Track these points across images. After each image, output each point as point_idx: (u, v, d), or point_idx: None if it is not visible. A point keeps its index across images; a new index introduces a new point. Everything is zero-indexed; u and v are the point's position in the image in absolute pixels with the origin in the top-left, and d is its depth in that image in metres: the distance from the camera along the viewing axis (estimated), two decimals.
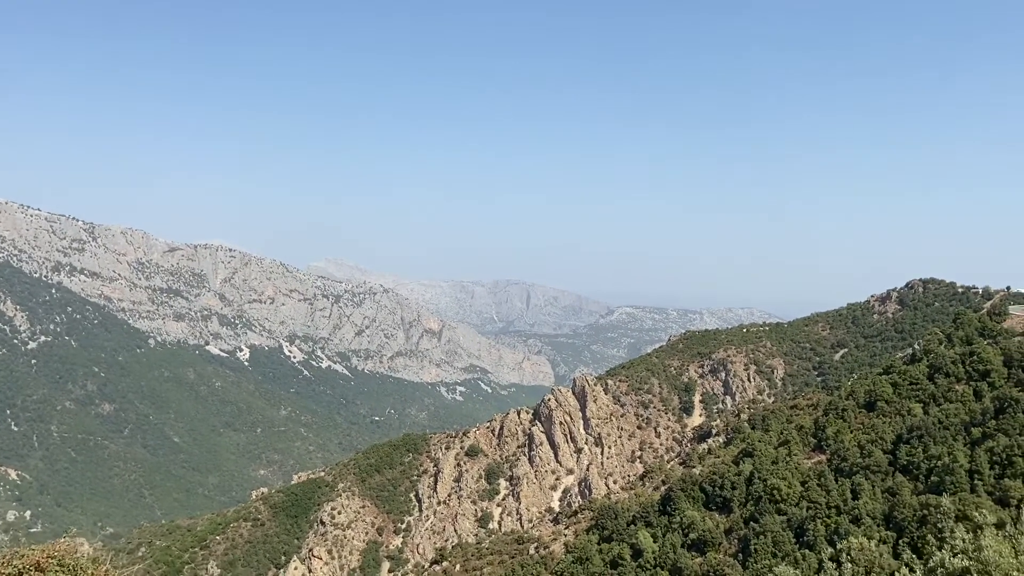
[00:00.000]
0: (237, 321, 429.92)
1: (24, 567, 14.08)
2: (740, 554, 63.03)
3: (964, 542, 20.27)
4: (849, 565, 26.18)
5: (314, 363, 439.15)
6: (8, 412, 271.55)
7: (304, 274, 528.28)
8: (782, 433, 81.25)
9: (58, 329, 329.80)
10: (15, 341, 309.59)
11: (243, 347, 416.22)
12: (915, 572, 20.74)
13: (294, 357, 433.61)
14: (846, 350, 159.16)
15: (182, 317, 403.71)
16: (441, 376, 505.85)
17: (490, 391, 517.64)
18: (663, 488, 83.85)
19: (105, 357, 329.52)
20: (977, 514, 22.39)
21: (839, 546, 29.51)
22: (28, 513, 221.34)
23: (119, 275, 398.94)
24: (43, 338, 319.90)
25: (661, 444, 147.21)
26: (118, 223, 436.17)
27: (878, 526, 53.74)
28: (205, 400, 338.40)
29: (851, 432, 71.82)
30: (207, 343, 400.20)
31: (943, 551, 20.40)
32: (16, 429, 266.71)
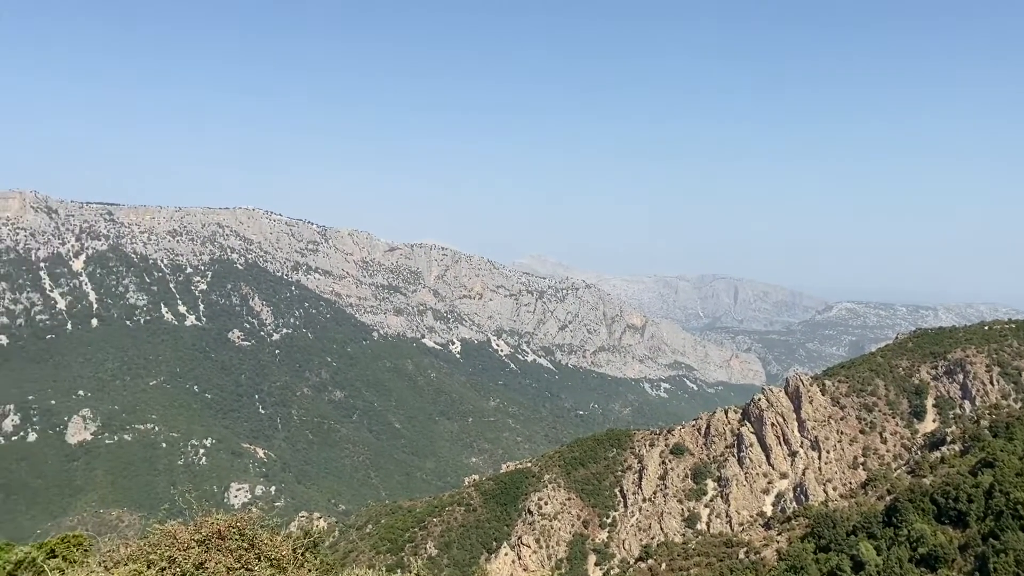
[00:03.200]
0: (449, 316, 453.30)
1: (208, 535, 15.82)
2: (976, 573, 57.31)
3: None
4: None
5: (520, 356, 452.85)
6: (256, 397, 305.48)
7: (510, 270, 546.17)
8: None
9: (297, 322, 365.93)
10: (262, 333, 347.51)
11: (455, 340, 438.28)
12: None
13: (501, 350, 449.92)
14: None
15: (401, 312, 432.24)
16: (644, 372, 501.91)
17: (696, 389, 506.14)
18: (888, 498, 77.97)
19: (336, 348, 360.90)
20: None
21: None
22: (273, 488, 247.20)
23: (347, 273, 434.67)
24: (284, 330, 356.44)
25: (887, 451, 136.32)
26: (346, 226, 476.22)
27: None
28: (422, 390, 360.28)
29: None
30: (423, 336, 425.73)
31: None
32: (263, 412, 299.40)
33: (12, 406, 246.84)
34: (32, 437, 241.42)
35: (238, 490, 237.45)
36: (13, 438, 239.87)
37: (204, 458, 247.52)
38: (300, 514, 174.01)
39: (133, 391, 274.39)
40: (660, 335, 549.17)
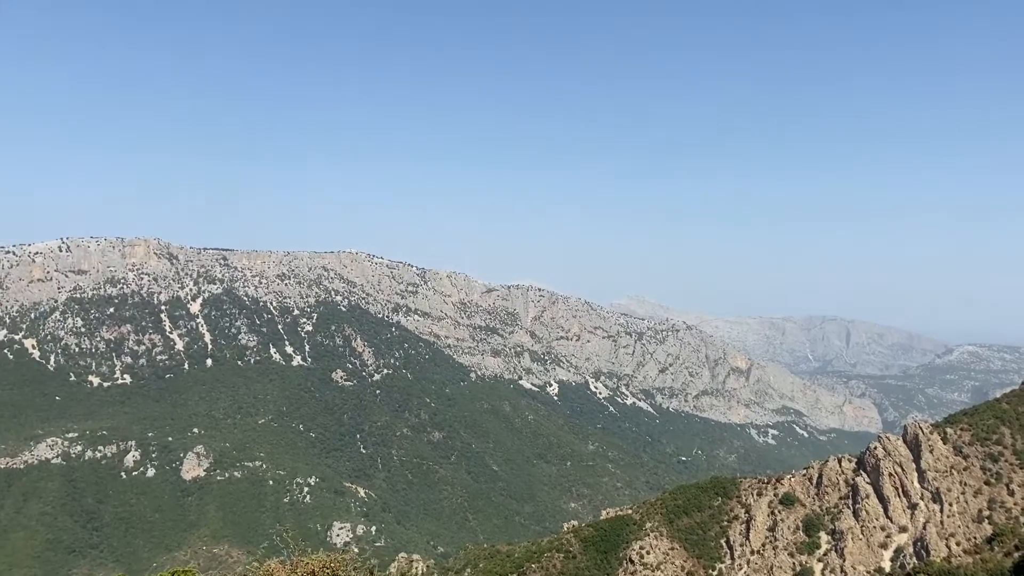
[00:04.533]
0: (546, 357, 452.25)
1: (304, 574, 15.87)
2: None
3: None
4: None
5: (619, 399, 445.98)
6: (358, 436, 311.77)
7: (607, 312, 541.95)
8: None
9: (397, 363, 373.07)
10: (363, 373, 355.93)
11: (552, 382, 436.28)
12: None
13: (599, 393, 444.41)
14: None
15: (498, 353, 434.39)
16: (750, 417, 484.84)
17: (806, 435, 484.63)
18: (1016, 554, 71.65)
19: (435, 389, 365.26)
20: None
21: None
22: (374, 528, 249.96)
23: (445, 314, 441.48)
24: (385, 371, 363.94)
25: (1015, 503, 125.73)
26: (444, 267, 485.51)
27: None
28: (519, 432, 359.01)
29: None
30: (520, 378, 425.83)
31: None
32: (364, 452, 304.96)
33: (133, 442, 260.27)
34: (151, 472, 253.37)
35: (340, 529, 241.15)
36: (134, 473, 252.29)
37: (308, 496, 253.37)
38: (400, 555, 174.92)
39: (243, 429, 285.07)
40: (766, 379, 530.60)
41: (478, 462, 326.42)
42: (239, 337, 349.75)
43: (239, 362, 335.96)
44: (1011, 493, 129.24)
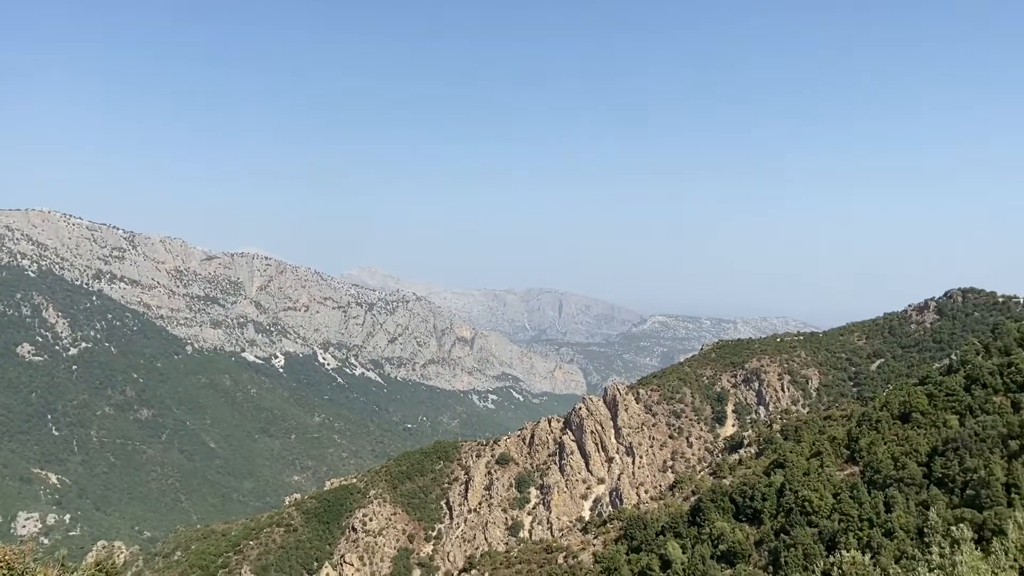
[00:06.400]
0: (272, 328, 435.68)
1: None
2: (770, 566, 62.34)
3: (941, 557, 20.18)
4: None
5: (348, 370, 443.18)
6: (49, 417, 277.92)
7: (338, 282, 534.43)
8: (814, 444, 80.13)
9: (98, 336, 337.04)
10: (56, 347, 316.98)
11: (278, 354, 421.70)
12: None
13: (328, 364, 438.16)
14: (882, 360, 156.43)
15: (219, 324, 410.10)
16: (473, 384, 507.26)
17: (522, 399, 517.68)
18: (693, 498, 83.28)
19: (144, 363, 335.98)
20: (956, 529, 22.22)
21: (831, 560, 29.23)
22: (68, 517, 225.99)
23: (158, 283, 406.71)
24: (83, 344, 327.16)
25: (693, 454, 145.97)
26: (157, 232, 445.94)
27: (911, 539, 52.82)
28: (241, 406, 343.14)
29: (885, 444, 70.59)
30: (243, 350, 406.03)
31: (920, 567, 20.37)
32: (57, 434, 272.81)
33: None
34: None
35: (27, 519, 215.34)
36: None
37: None
38: (99, 543, 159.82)
39: None
40: (488, 347, 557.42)
41: (193, 440, 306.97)
42: None
43: None
44: (690, 445, 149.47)
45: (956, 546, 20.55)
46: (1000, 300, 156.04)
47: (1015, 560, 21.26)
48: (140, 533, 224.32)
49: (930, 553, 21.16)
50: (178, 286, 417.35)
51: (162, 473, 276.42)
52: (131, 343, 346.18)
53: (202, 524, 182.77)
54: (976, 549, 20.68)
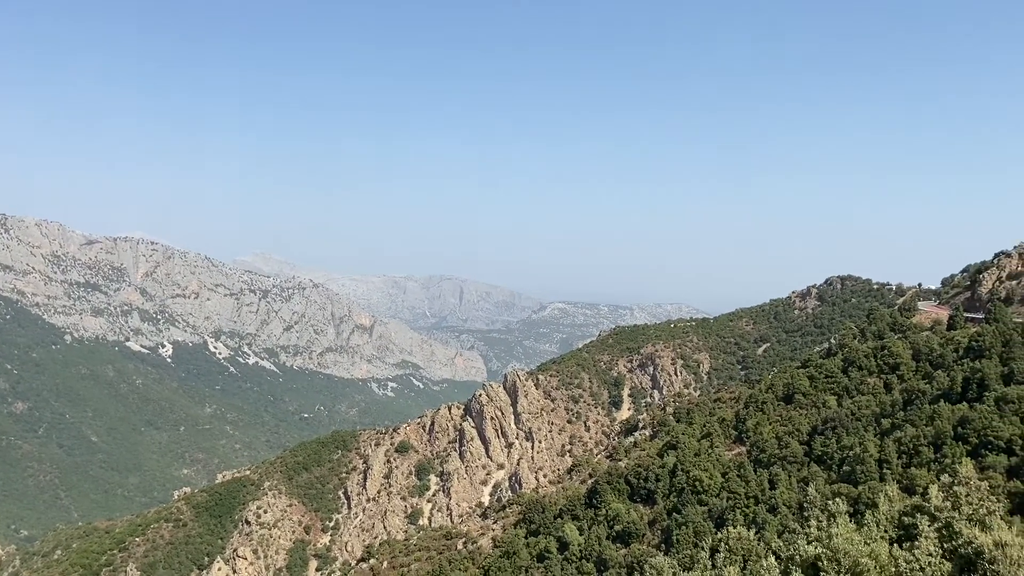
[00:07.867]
0: (159, 316, 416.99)
1: None
2: (663, 544, 64.36)
3: (819, 530, 21.34)
4: (725, 555, 27.15)
5: (240, 359, 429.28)
6: None
7: (231, 269, 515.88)
8: (705, 426, 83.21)
9: None
10: None
11: (165, 343, 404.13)
12: (778, 560, 21.69)
13: (219, 353, 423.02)
14: (768, 344, 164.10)
15: (100, 312, 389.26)
16: (372, 372, 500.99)
17: (422, 387, 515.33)
18: (590, 481, 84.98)
19: (18, 354, 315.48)
20: (832, 503, 23.58)
21: (719, 536, 30.52)
22: None
23: (33, 268, 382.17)
24: None
25: (591, 438, 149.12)
26: (32, 215, 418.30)
27: (793, 514, 55.59)
28: (125, 398, 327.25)
29: (770, 424, 74.05)
30: (127, 339, 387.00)
31: (800, 540, 21.48)
32: None
33: None
34: None
35: None
36: None
37: None
38: None
39: None
40: (388, 335, 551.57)
41: (73, 433, 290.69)
42: None
43: None
44: (588, 429, 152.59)
45: (832, 519, 21.63)
46: (875, 287, 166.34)
47: (885, 531, 22.66)
48: (16, 532, 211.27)
49: (809, 527, 22.21)
50: (55, 272, 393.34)
51: (40, 469, 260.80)
52: (3, 332, 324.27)
53: (84, 521, 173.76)
54: (851, 522, 21.89)
